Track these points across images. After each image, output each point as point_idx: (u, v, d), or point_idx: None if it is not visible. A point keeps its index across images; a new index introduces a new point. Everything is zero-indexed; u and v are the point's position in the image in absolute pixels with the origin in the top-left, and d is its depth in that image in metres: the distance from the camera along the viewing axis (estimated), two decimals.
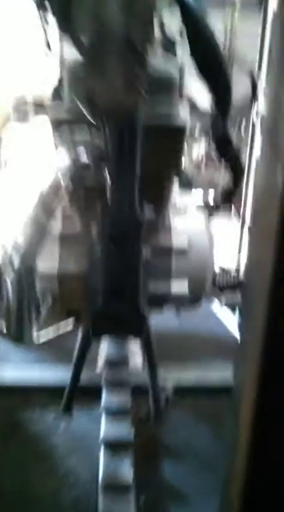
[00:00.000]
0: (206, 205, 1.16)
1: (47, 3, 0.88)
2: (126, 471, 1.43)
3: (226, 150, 0.92)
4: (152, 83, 0.80)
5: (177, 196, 1.16)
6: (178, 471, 1.55)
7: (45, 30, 1.05)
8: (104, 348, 2.18)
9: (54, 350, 2.17)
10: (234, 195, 1.06)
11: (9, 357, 2.10)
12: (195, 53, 0.77)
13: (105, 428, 1.59)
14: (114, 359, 1.97)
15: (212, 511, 1.38)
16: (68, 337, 1.91)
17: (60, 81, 1.00)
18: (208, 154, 4.69)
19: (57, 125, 0.91)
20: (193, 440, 1.68)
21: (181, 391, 1.85)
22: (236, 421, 0.81)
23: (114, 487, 1.38)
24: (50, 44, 1.09)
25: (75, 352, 1.63)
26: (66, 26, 0.85)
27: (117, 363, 1.95)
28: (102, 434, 1.56)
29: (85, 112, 0.55)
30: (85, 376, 1.73)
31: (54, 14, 0.91)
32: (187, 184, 1.24)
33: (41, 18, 1.05)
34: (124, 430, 1.58)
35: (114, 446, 1.51)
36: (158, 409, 1.59)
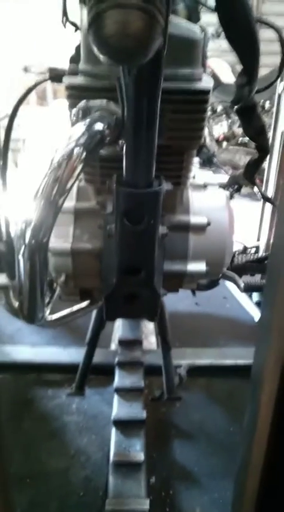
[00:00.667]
0: (228, 182, 1.10)
1: None
2: (137, 450, 1.43)
3: (251, 119, 0.86)
4: (173, 42, 0.74)
5: (197, 171, 1.10)
6: (190, 452, 1.53)
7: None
8: (118, 327, 2.18)
9: (68, 330, 2.18)
10: (258, 169, 1.00)
11: (22, 336, 2.12)
12: (222, 13, 0.70)
13: (117, 407, 1.59)
14: (127, 338, 1.96)
15: (224, 493, 1.38)
16: (81, 317, 1.92)
17: (78, 48, 0.95)
18: (230, 133, 4.58)
19: (71, 91, 0.86)
20: (206, 421, 1.66)
21: (196, 372, 1.82)
22: (255, 405, 0.78)
23: (124, 466, 1.37)
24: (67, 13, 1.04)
25: (89, 333, 1.62)
26: None
27: (131, 342, 1.94)
28: (114, 413, 1.55)
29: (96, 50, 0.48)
30: (98, 355, 1.73)
31: None
32: (208, 160, 1.18)
33: None
34: (136, 409, 1.57)
35: (126, 425, 1.51)
36: (171, 389, 1.57)
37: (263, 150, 0.93)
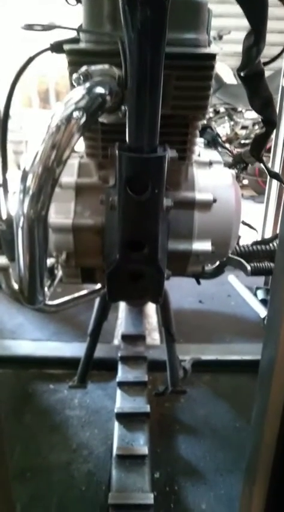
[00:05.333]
0: (233, 160, 1.07)
1: None
2: (141, 444, 1.38)
3: (258, 89, 0.83)
4: (178, 5, 0.72)
5: (202, 150, 1.07)
6: (196, 448, 1.48)
7: None
8: (121, 323, 2.15)
9: (70, 325, 2.15)
10: (265, 145, 0.97)
11: (24, 332, 2.09)
12: None
13: (120, 400, 1.55)
14: (130, 333, 1.93)
15: (230, 489, 1.33)
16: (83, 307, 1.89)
17: (80, 27, 0.93)
18: (232, 135, 4.58)
19: (72, 56, 0.84)
20: (211, 416, 1.61)
21: (201, 367, 1.78)
22: (263, 401, 0.74)
23: (128, 460, 1.33)
24: None
25: (91, 324, 1.59)
26: None
27: (134, 337, 1.90)
28: (116, 406, 1.51)
29: None
30: (101, 350, 1.69)
31: None
32: (212, 140, 1.15)
33: None
34: (140, 403, 1.53)
35: (129, 419, 1.46)
36: (176, 382, 1.53)
37: (271, 123, 0.90)
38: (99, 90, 0.71)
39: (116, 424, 1.47)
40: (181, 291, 2.52)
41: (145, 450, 1.35)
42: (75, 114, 0.67)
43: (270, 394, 0.69)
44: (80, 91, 0.70)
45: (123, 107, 0.77)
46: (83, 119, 0.67)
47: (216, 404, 1.69)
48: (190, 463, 1.43)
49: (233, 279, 2.79)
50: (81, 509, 1.23)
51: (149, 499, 1.19)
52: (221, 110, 4.42)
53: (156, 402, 1.64)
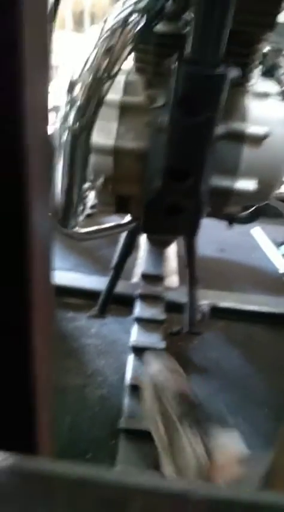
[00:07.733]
0: None
1: None
2: None
3: None
4: None
5: (259, 79, 0.98)
6: (204, 387, 1.52)
7: None
8: (141, 263, 2.15)
9: (91, 259, 2.16)
10: None
11: None
12: None
13: (136, 334, 1.57)
14: (150, 273, 1.93)
15: (236, 427, 1.38)
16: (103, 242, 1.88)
17: None
18: None
19: None
20: (222, 360, 1.64)
21: (217, 313, 1.78)
22: None
23: (140, 390, 1.37)
24: None
25: (116, 257, 1.58)
26: None
27: (153, 277, 1.90)
28: (132, 339, 1.54)
29: None
30: (120, 285, 1.70)
31: None
32: (268, 71, 1.06)
33: None
34: (154, 337, 1.56)
35: (144, 352, 1.49)
36: (193, 324, 1.54)
37: None
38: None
39: (131, 356, 1.50)
40: (203, 237, 2.48)
41: None
42: (134, 16, 0.60)
43: None
44: None
45: (183, 16, 0.69)
46: (142, 23, 0.61)
47: (228, 349, 1.71)
48: (197, 400, 1.47)
49: (258, 231, 2.73)
50: (93, 428, 1.29)
51: None
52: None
53: (170, 341, 1.67)
